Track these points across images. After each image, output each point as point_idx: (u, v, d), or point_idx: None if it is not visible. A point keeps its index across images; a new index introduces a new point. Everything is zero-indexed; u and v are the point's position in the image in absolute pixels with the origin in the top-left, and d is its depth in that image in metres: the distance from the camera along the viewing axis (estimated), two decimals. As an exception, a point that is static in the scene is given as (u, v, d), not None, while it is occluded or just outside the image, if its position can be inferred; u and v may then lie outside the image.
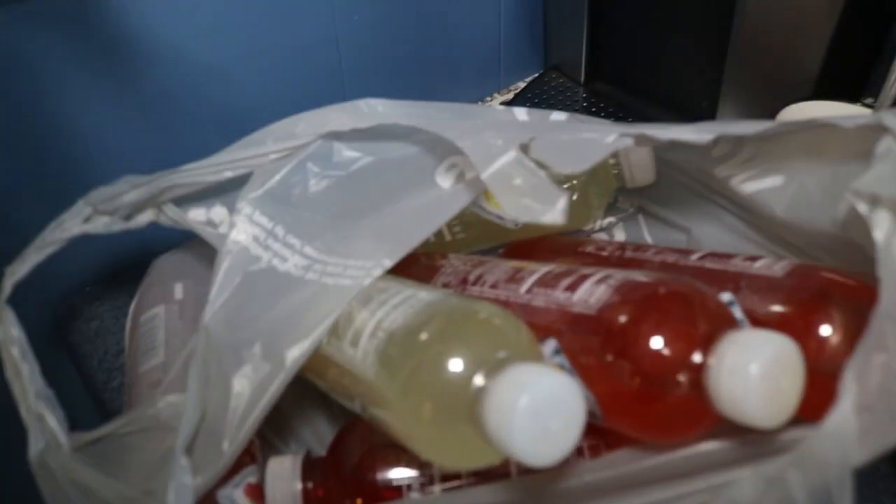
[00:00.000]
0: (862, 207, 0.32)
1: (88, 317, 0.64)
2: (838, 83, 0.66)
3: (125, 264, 0.67)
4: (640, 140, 0.39)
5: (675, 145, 0.39)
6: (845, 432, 0.29)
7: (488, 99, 0.87)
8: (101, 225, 0.46)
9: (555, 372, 0.31)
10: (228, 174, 0.45)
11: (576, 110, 0.80)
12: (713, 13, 0.66)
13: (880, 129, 0.33)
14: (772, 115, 0.61)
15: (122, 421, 0.41)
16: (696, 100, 0.72)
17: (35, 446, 0.39)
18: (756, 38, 0.64)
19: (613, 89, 0.82)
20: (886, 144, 0.32)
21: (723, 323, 0.35)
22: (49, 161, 0.60)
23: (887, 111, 0.34)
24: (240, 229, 0.43)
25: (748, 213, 0.48)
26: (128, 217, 0.47)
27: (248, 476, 0.43)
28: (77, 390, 0.66)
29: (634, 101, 0.80)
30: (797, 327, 0.37)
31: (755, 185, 0.44)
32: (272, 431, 0.52)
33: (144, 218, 0.47)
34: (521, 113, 0.49)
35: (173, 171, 0.46)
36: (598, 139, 0.39)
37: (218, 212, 0.48)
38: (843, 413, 0.29)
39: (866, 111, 0.59)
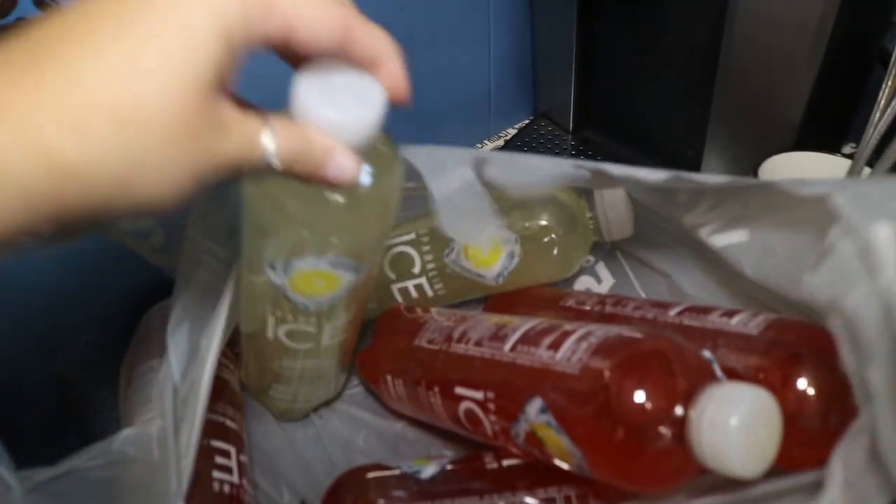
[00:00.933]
0: (819, 301, 0.34)
1: (87, 364, 0.65)
2: (822, 130, 0.68)
3: (121, 314, 0.68)
4: (597, 174, 0.40)
5: (636, 189, 0.40)
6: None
7: (478, 146, 0.89)
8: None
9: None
10: None
11: (564, 158, 0.82)
12: (698, 63, 0.68)
13: (829, 208, 0.34)
14: (755, 161, 0.63)
15: (82, 457, 0.42)
16: (683, 148, 0.74)
17: None
18: (739, 88, 0.66)
19: (602, 137, 0.84)
20: (835, 235, 0.33)
21: (703, 377, 0.36)
22: None
23: (839, 186, 0.35)
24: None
25: (720, 265, 0.49)
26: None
27: (241, 530, 0.44)
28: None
29: (622, 149, 0.81)
30: (774, 382, 0.38)
31: (723, 238, 0.45)
32: (265, 479, 0.53)
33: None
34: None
35: None
36: (553, 166, 0.41)
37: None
38: (833, 494, 0.31)
39: (845, 162, 0.61)
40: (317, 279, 0.42)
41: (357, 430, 0.56)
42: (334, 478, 0.47)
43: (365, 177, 0.35)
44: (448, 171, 0.42)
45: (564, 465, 0.40)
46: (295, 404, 0.55)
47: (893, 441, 0.29)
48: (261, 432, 0.55)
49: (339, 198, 0.37)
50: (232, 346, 0.54)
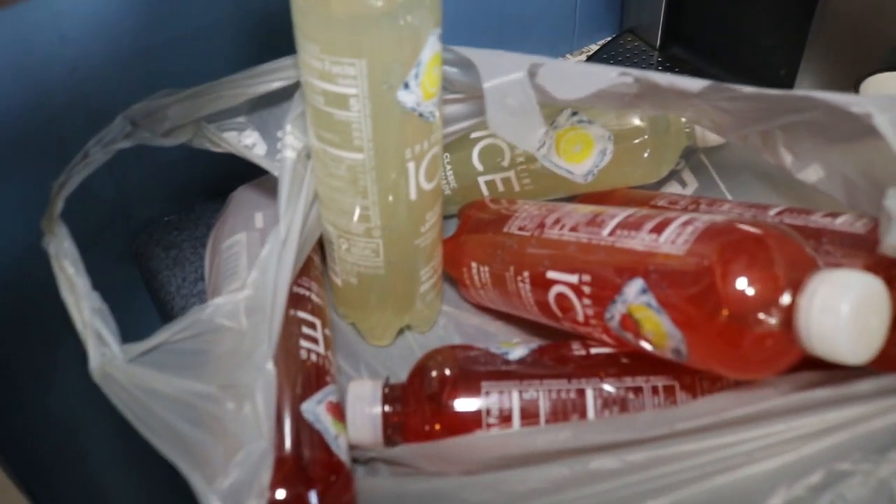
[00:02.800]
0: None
1: (167, 245, 0.66)
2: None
3: (203, 197, 0.69)
4: (640, 81, 0.40)
5: (681, 100, 0.40)
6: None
7: (560, 59, 0.87)
8: (141, 140, 0.47)
9: (862, 273, 0.34)
10: (276, 84, 0.48)
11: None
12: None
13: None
14: (854, 85, 0.61)
15: (173, 328, 0.42)
16: (775, 68, 0.72)
17: (94, 359, 0.40)
18: (841, 5, 0.64)
19: (690, 55, 0.82)
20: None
21: (809, 267, 0.36)
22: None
23: (882, 105, 0.34)
24: (289, 147, 0.47)
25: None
26: (167, 133, 0.49)
27: (330, 395, 0.45)
28: (153, 319, 0.68)
29: (711, 67, 0.80)
30: (882, 276, 0.37)
31: (805, 174, 0.44)
32: (346, 361, 0.53)
33: (183, 136, 0.49)
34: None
35: (214, 83, 0.48)
36: (600, 73, 0.40)
37: (250, 135, 0.50)
38: None
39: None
40: (436, 66, 0.42)
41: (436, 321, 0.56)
42: (413, 364, 0.48)
43: None
44: (503, 73, 0.42)
45: (659, 351, 0.40)
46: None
47: None
48: (337, 318, 0.56)
49: None
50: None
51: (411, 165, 0.44)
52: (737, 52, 0.77)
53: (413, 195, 0.45)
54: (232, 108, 0.50)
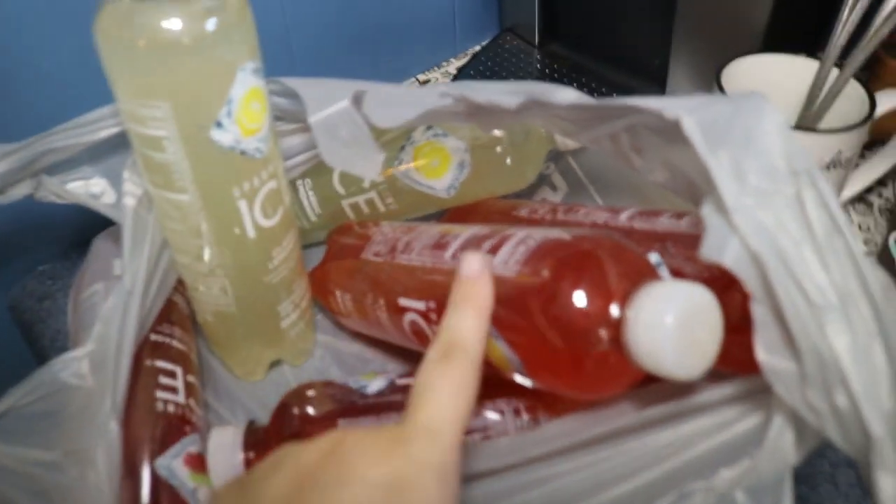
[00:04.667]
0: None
1: (41, 296, 0.64)
2: (791, 34, 0.65)
3: (77, 243, 0.67)
4: (459, 100, 0.39)
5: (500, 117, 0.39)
6: (783, 444, 0.31)
7: (444, 63, 0.87)
8: None
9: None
10: (106, 132, 0.46)
11: (530, 73, 0.80)
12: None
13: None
14: (716, 72, 0.61)
15: (18, 392, 0.41)
16: (650, 59, 0.72)
17: None
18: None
19: (568, 51, 0.81)
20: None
21: (644, 277, 0.35)
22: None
23: (688, 107, 0.33)
24: (128, 194, 0.46)
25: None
26: (0, 191, 0.47)
27: (189, 445, 0.44)
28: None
29: (590, 62, 0.79)
30: (722, 282, 0.37)
31: (655, 177, 0.43)
32: (218, 401, 0.52)
33: (19, 191, 0.47)
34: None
35: (46, 133, 0.46)
36: (421, 96, 0.40)
37: (97, 183, 0.48)
38: (778, 426, 0.31)
39: (812, 64, 0.59)
40: (254, 101, 0.40)
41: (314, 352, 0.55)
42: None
43: None
44: (329, 103, 0.41)
45: (507, 375, 0.39)
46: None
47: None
48: (214, 356, 0.54)
49: None
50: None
51: (243, 204, 0.42)
52: (612, 46, 0.77)
53: (251, 233, 0.43)
54: (74, 157, 0.48)
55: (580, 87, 0.74)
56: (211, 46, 0.37)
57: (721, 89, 0.56)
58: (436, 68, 0.86)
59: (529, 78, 0.79)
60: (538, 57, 0.82)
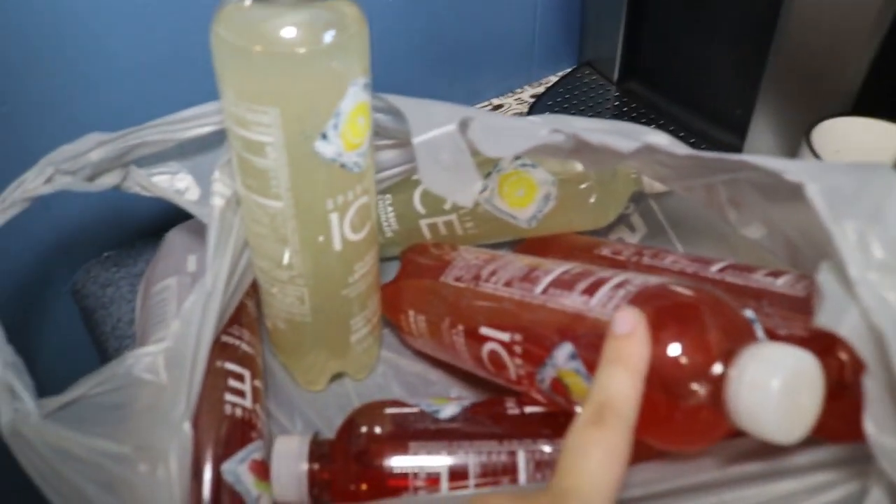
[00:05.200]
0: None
1: (104, 283, 0.64)
2: (882, 98, 0.65)
3: (144, 232, 0.67)
4: (570, 138, 0.39)
5: (613, 159, 0.39)
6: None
7: (519, 91, 0.86)
8: (63, 185, 0.45)
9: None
10: (203, 130, 0.46)
11: (607, 108, 0.79)
12: (756, 20, 0.65)
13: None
14: (809, 124, 0.60)
15: (92, 381, 0.41)
16: (731, 107, 0.71)
17: (6, 415, 0.39)
18: (798, 47, 0.63)
19: (646, 90, 0.81)
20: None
21: (743, 335, 0.34)
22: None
23: (814, 173, 0.33)
24: (217, 194, 0.46)
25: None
26: (91, 178, 0.47)
27: (254, 452, 0.43)
28: (91, 356, 0.66)
29: (667, 103, 0.79)
30: (819, 346, 0.36)
31: (749, 231, 0.42)
32: (280, 409, 0.52)
33: (109, 180, 0.48)
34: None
35: (141, 126, 0.46)
36: (532, 130, 0.39)
37: (183, 178, 0.49)
38: (876, 499, 0.30)
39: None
40: (360, 116, 0.40)
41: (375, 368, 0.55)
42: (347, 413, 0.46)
43: None
44: (434, 126, 0.40)
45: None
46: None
47: None
48: (276, 362, 0.54)
49: None
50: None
51: (334, 216, 0.42)
52: (693, 90, 0.76)
53: (337, 246, 0.43)
54: (163, 152, 0.48)
55: (656, 128, 0.74)
56: (326, 58, 0.37)
57: (811, 149, 0.55)
58: (510, 94, 0.86)
59: (605, 114, 0.78)
60: (615, 93, 0.81)
